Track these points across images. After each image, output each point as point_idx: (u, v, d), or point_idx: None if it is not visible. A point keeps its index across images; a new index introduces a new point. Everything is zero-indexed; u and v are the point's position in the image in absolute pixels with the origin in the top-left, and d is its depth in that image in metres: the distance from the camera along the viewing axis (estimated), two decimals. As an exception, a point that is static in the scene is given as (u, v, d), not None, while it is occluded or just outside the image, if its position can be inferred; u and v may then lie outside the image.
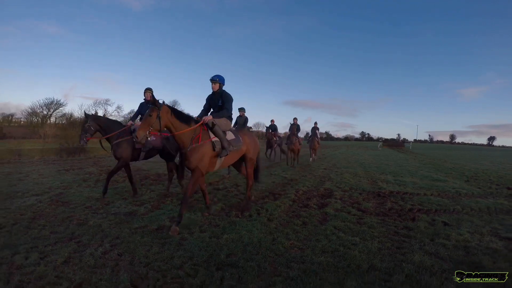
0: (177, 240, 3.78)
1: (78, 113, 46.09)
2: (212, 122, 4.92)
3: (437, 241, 3.94)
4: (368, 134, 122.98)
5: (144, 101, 7.10)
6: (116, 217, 4.75)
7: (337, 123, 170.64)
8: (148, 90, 7.09)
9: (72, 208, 5.32)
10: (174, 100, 60.09)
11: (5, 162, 12.03)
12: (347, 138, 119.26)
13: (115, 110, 52.68)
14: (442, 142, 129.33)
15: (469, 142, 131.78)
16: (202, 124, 4.86)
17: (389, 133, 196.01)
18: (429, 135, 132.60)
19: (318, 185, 8.10)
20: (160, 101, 4.52)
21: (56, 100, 44.95)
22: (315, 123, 16.60)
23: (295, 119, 13.94)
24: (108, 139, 6.25)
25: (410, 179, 9.69)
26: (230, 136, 5.22)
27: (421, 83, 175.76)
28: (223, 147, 4.90)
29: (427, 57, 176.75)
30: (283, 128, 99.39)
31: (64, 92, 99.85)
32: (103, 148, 6.56)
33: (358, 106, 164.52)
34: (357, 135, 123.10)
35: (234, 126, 9.85)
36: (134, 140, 4.34)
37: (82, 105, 56.51)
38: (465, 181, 9.64)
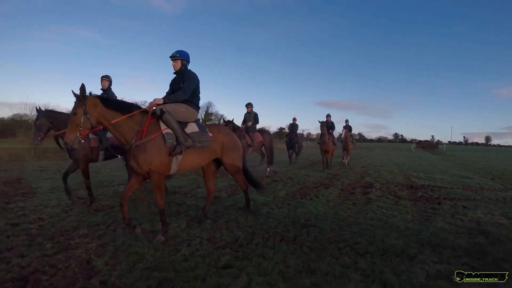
0: (264, 213, 5.11)
1: None
2: (161, 109, 3.93)
3: (456, 217, 5.12)
4: (401, 135, 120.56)
5: (101, 90, 6.25)
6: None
7: (370, 124, 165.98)
8: (105, 78, 6.20)
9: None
10: (208, 102, 60.76)
11: (67, 158, 13.51)
12: (380, 140, 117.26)
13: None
14: (477, 144, 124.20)
15: (505, 144, 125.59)
16: (146, 111, 3.99)
17: (422, 135, 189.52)
18: (464, 137, 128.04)
19: (359, 179, 9.34)
20: (89, 93, 3.78)
21: None
22: (346, 120, 14.90)
23: (328, 116, 12.36)
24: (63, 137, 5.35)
25: (440, 176, 10.67)
26: (192, 128, 4.19)
27: (456, 83, 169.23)
28: (178, 142, 3.94)
29: (461, 56, 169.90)
30: (316, 129, 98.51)
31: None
32: (60, 147, 5.78)
33: (392, 107, 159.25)
34: (390, 137, 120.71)
35: (242, 124, 9.72)
36: (66, 145, 3.68)
37: None
38: (491, 179, 10.46)
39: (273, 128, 64.11)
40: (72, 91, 3.60)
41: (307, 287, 2.64)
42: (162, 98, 4.09)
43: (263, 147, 10.11)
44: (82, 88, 3.54)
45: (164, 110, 3.90)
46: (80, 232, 3.93)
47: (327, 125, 11.93)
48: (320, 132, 12.49)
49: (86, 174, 5.57)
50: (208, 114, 62.41)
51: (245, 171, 5.08)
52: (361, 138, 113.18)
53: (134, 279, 2.73)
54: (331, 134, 11.84)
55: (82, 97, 3.55)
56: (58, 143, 5.74)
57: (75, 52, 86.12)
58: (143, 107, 4.08)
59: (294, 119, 14.22)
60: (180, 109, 4.13)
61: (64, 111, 4.57)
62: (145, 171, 3.83)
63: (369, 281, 2.76)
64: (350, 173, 10.78)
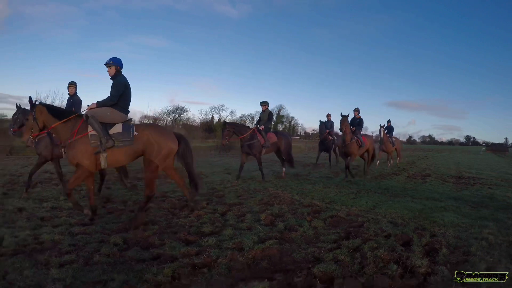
0: (361, 184, 8.55)
1: (198, 118, 48.69)
2: (86, 115, 4.41)
3: (479, 191, 8.02)
4: (473, 138, 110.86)
5: (68, 95, 6.76)
6: (318, 178, 9.66)
7: (442, 126, 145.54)
8: (71, 85, 6.69)
9: (272, 181, 10.20)
10: (279, 105, 60.54)
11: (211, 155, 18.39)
12: (451, 142, 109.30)
13: (229, 114, 52.15)
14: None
15: None
16: (81, 115, 4.56)
17: (497, 137, 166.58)
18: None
19: (421, 171, 12.29)
20: (38, 102, 4.46)
21: (181, 106, 47.86)
22: (388, 121, 13.63)
23: (355, 110, 10.50)
24: None
25: (488, 172, 13.01)
26: (116, 129, 4.49)
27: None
28: (100, 142, 4.31)
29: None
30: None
31: (170, 98, 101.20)
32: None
33: (465, 106, 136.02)
34: (462, 139, 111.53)
35: (256, 123, 9.35)
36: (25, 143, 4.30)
37: (201, 110, 57.32)
38: (533, 176, 12.56)
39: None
40: (30, 100, 4.45)
41: (390, 202, 6.13)
42: (96, 102, 4.64)
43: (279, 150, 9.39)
44: (30, 99, 4.44)
45: (88, 115, 4.38)
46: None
47: (354, 122, 10.32)
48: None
49: (38, 167, 6.13)
50: (280, 117, 64.05)
51: (190, 170, 5.23)
52: (432, 140, 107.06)
53: (320, 200, 6.39)
54: (356, 133, 9.76)
55: (31, 106, 4.42)
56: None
57: (145, 59, 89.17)
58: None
59: (329, 116, 12.46)
60: (106, 113, 4.55)
61: None
62: (73, 164, 4.47)
63: (417, 204, 6.15)
64: (414, 168, 13.71)
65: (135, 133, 4.54)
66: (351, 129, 9.52)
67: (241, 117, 55.77)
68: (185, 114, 48.28)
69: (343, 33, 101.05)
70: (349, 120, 9.58)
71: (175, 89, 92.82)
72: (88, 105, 4.69)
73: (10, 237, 3.76)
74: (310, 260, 3.37)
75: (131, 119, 4.93)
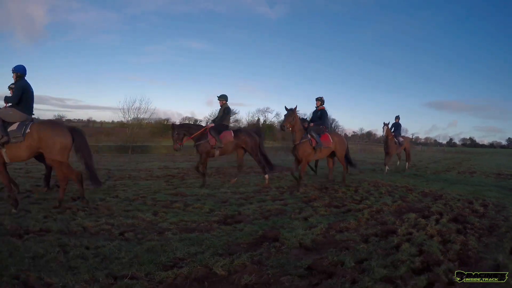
0: (424, 176, 11.84)
1: (245, 120, 47.74)
2: None
3: None
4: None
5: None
6: (391, 172, 12.99)
7: (483, 127, 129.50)
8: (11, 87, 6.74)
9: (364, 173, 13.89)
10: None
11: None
12: (492, 145, 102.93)
13: (274, 116, 51.40)
14: None
15: None
16: None
17: None
18: None
19: (468, 169, 15.24)
20: None
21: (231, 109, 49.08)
22: (396, 117, 12.37)
23: (318, 100, 8.29)
24: None
25: (523, 171, 15.70)
26: (13, 127, 4.73)
27: None
28: None
29: None
30: (425, 133, 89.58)
31: (208, 99, 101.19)
32: None
33: (509, 107, 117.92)
34: (504, 142, 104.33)
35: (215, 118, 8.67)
36: None
37: (249, 112, 56.48)
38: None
39: (379, 132, 64.03)
40: None
41: (452, 186, 9.43)
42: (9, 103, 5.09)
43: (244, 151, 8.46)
44: None
45: None
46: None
47: (315, 115, 8.34)
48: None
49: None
50: (321, 118, 65.17)
51: (87, 163, 5.27)
52: (473, 143, 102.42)
53: (406, 184, 9.80)
54: (311, 131, 7.51)
55: None
56: None
57: (185, 61, 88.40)
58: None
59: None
60: (8, 113, 4.87)
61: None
62: None
63: (470, 187, 9.39)
64: (462, 167, 16.64)
65: (28, 130, 4.73)
66: (304, 126, 7.56)
67: (286, 119, 56.68)
68: (234, 116, 47.55)
69: (382, 32, 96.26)
70: (310, 114, 8.43)
71: (215, 91, 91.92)
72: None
73: (218, 210, 5.50)
74: (425, 207, 6.86)
75: (31, 118, 5.14)
